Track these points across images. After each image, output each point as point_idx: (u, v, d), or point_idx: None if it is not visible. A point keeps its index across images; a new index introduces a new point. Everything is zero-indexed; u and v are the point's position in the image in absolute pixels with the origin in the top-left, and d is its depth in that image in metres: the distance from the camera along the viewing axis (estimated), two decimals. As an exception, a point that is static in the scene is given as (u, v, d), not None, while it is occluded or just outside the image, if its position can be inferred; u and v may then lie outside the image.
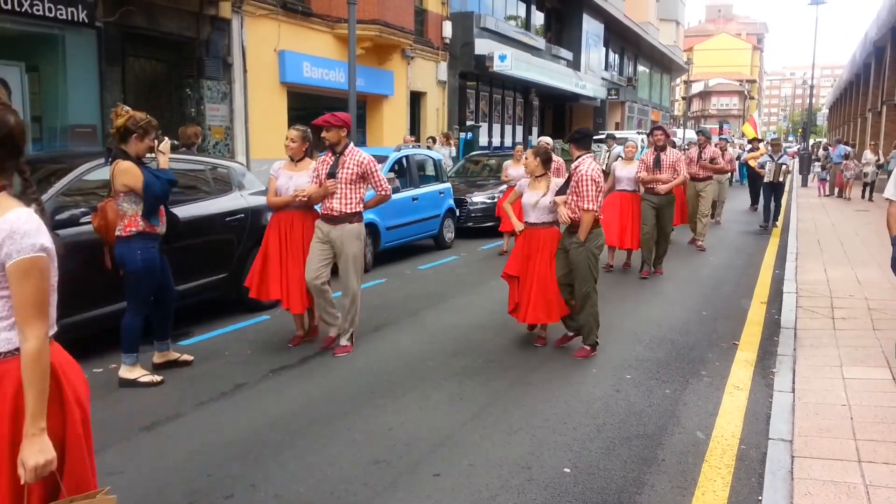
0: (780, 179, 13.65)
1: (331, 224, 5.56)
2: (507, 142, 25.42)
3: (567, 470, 3.68)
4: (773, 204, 13.95)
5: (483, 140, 23.16)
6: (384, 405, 4.57)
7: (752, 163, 17.09)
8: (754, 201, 17.34)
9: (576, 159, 5.79)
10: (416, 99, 19.65)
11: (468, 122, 22.07)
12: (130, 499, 3.37)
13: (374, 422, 4.32)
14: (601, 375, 5.19)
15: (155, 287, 5.04)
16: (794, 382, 4.89)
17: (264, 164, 12.18)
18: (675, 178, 8.98)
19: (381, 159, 10.35)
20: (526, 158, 5.94)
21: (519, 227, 5.95)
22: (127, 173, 4.75)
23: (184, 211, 6.26)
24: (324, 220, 5.61)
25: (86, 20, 9.99)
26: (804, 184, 25.59)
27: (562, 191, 5.71)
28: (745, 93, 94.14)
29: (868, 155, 20.35)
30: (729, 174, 17.50)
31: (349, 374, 5.18)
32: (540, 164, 5.82)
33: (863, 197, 19.73)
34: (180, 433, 4.17)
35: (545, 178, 5.83)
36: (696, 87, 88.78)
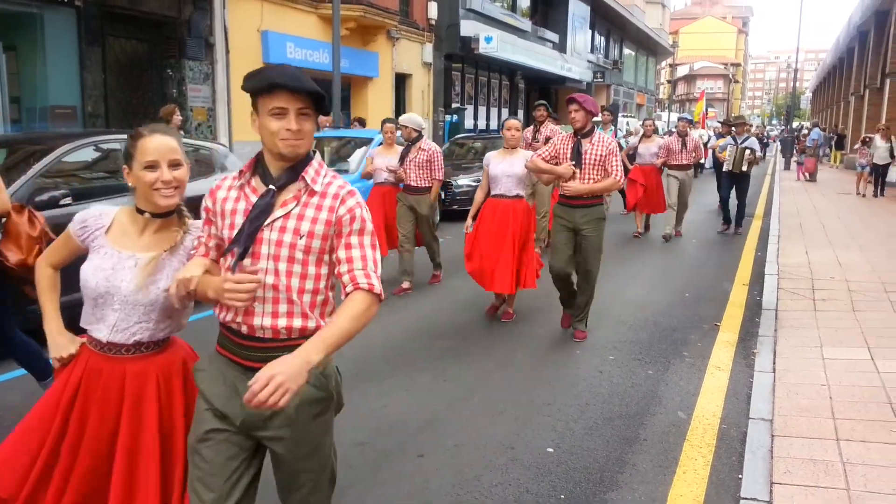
0: (744, 169, 10.82)
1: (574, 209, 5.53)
2: (493, 125, 25.35)
3: (550, 450, 3.71)
4: (737, 201, 11.21)
5: (469, 123, 23.09)
6: (368, 388, 4.57)
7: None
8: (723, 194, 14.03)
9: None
10: (401, 81, 19.51)
11: (453, 105, 21.98)
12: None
13: (358, 404, 4.32)
14: (585, 357, 5.23)
15: None
16: (774, 363, 4.95)
17: (247, 146, 12.08)
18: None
19: (366, 141, 10.29)
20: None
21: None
22: None
23: (166, 193, 6.17)
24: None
25: (64, -1, 9.81)
26: (787, 167, 25.78)
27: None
28: (730, 76, 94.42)
29: (878, 141, 16.67)
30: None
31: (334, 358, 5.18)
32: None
33: (876, 194, 16.68)
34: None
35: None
36: (682, 71, 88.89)
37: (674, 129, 12.75)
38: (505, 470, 3.48)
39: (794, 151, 26.32)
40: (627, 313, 6.45)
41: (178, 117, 8.65)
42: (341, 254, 1.96)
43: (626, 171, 13.07)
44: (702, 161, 17.19)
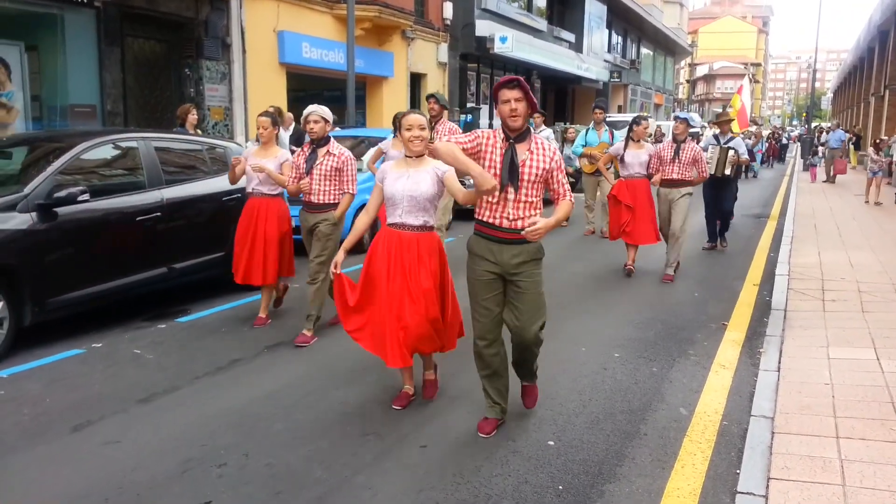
0: (727, 173, 9.32)
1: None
2: (508, 124, 25.33)
3: (551, 443, 3.78)
4: (721, 209, 9.69)
5: (483, 122, 23.15)
6: (375, 381, 4.66)
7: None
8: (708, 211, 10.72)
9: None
10: (416, 80, 19.61)
11: (468, 105, 22.04)
12: (126, 466, 3.48)
13: (365, 397, 4.42)
14: (590, 354, 5.28)
15: None
16: (779, 362, 4.98)
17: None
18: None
19: (380, 140, 10.38)
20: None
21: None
22: None
23: (180, 190, 6.33)
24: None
25: (85, 0, 10.00)
26: (805, 168, 25.57)
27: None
28: (750, 76, 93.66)
29: None
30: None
31: (341, 352, 5.27)
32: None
33: None
34: (176, 406, 4.28)
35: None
36: (701, 70, 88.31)
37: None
38: (505, 461, 3.56)
39: (810, 153, 26.06)
40: (635, 312, 6.49)
41: (193, 116, 8.80)
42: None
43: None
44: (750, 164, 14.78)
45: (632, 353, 5.33)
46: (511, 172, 3.62)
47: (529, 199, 3.66)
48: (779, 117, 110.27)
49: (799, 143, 33.94)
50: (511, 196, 3.65)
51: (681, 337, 5.75)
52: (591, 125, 11.00)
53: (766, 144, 29.44)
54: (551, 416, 4.12)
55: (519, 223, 3.65)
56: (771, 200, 16.44)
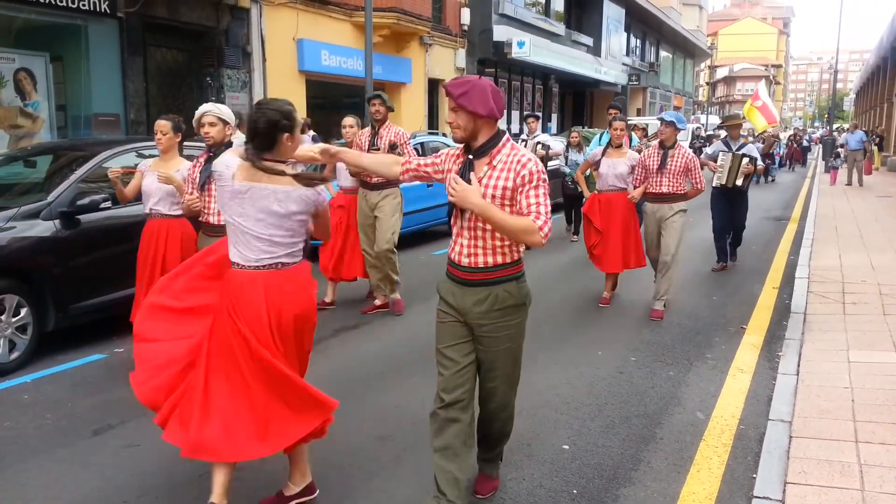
0: (738, 184, 8.07)
1: None
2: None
3: (566, 447, 3.78)
4: (734, 224, 8.60)
5: (501, 127, 23.16)
6: (393, 385, 4.70)
7: None
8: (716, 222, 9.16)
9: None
10: (434, 86, 19.68)
11: (525, 116, 22.07)
12: (146, 469, 3.54)
13: (382, 400, 4.46)
14: (606, 358, 5.27)
15: None
16: (798, 365, 4.94)
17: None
18: None
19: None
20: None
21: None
22: None
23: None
24: None
25: (108, 11, 10.18)
26: (827, 170, 25.26)
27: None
28: (771, 78, 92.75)
29: None
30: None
31: (360, 356, 5.32)
32: None
33: None
34: (195, 410, 4.33)
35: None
36: (721, 73, 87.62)
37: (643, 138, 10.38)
38: (520, 465, 3.57)
39: (832, 155, 25.72)
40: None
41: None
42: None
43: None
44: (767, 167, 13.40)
45: (648, 356, 5.32)
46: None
47: (488, 227, 2.85)
48: (800, 119, 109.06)
49: (820, 145, 33.49)
50: (464, 224, 2.91)
51: (698, 340, 5.72)
52: (608, 128, 9.87)
53: (786, 147, 29.13)
54: (567, 421, 4.12)
55: (479, 259, 2.90)
56: (791, 203, 16.28)
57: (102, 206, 5.41)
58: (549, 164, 5.32)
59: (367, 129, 6.51)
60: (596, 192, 6.97)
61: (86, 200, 5.33)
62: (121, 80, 10.71)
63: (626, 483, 3.41)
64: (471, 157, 2.92)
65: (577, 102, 32.28)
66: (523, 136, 11.30)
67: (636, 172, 6.63)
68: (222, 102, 12.22)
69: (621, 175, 6.72)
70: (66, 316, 5.30)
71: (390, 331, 6.02)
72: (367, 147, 6.31)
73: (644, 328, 6.05)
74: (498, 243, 2.89)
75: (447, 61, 20.06)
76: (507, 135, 2.99)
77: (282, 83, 13.77)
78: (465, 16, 20.36)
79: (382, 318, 6.34)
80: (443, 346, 3.04)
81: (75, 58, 10.30)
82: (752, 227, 10.32)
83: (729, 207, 8.42)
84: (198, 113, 4.61)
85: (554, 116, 28.73)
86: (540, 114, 21.65)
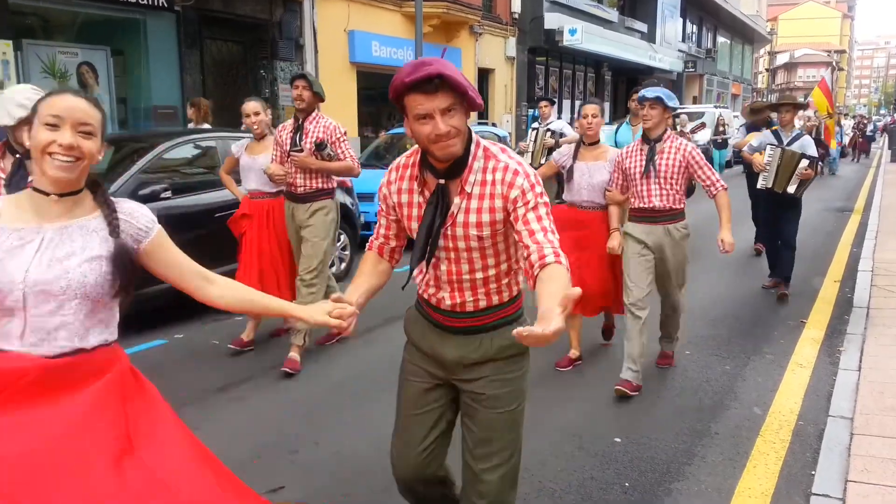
0: (790, 191, 6.22)
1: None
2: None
3: (618, 440, 3.75)
4: (780, 241, 6.74)
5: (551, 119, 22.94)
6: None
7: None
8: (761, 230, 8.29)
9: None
10: (484, 76, 19.60)
11: (537, 99, 21.87)
12: (205, 452, 3.64)
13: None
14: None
15: None
16: (860, 361, 4.78)
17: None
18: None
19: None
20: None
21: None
22: None
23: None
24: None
25: (165, 4, 10.43)
26: (893, 159, 24.27)
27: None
28: (835, 64, 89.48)
29: None
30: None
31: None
32: None
33: None
34: (251, 395, 4.45)
35: None
36: (782, 59, 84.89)
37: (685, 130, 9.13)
38: (571, 457, 3.55)
39: None
40: (707, 308, 6.33)
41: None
42: None
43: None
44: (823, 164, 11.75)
45: (704, 350, 5.22)
46: (430, 231, 2.04)
47: (478, 277, 2.12)
48: (864, 106, 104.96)
49: (886, 134, 32.11)
50: (443, 278, 2.14)
51: (756, 334, 5.59)
52: (627, 118, 7.84)
53: (850, 135, 27.95)
54: (618, 414, 4.09)
55: (469, 305, 2.14)
56: (855, 194, 15.71)
57: (163, 195, 5.57)
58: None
59: (290, 123, 4.96)
60: (564, 203, 4.89)
61: (147, 190, 5.49)
62: (178, 73, 10.97)
63: (679, 477, 3.36)
64: (441, 181, 2.02)
65: (631, 91, 31.68)
66: (534, 125, 9.76)
67: (611, 178, 4.56)
68: (275, 95, 12.47)
69: (599, 186, 4.63)
70: (132, 303, 5.46)
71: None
72: (288, 146, 4.83)
73: (699, 321, 5.92)
74: (493, 286, 2.11)
75: (497, 50, 19.93)
76: (475, 135, 2.06)
77: (333, 75, 13.89)
78: (516, 3, 20.19)
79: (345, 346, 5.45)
80: (410, 411, 2.29)
81: (135, 51, 10.59)
82: (811, 219, 9.97)
83: (774, 215, 6.67)
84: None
85: (606, 105, 28.30)
86: (556, 99, 21.18)
